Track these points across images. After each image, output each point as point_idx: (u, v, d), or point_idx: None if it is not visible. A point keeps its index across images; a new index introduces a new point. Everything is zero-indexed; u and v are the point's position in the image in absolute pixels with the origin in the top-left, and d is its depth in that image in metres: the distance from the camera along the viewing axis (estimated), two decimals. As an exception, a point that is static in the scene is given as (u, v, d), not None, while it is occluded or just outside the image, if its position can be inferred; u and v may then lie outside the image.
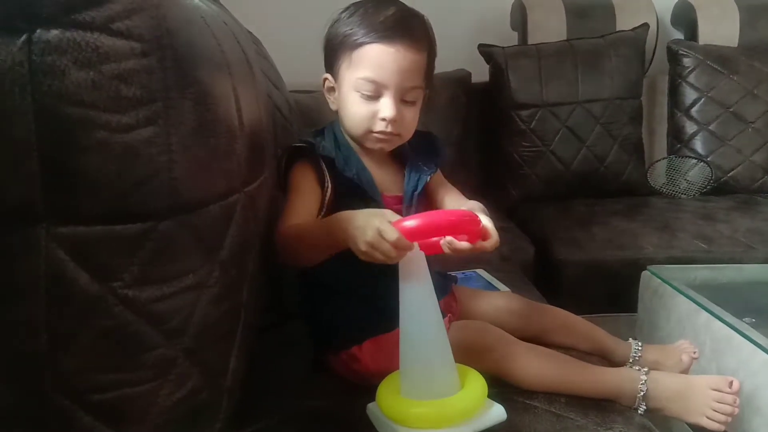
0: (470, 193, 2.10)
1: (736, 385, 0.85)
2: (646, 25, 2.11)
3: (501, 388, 0.80)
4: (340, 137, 0.90)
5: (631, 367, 0.92)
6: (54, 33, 0.44)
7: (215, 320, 0.60)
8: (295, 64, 1.40)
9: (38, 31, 0.43)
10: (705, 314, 1.18)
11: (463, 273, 1.31)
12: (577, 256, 1.63)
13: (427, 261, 0.71)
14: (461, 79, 2.06)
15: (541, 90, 2.01)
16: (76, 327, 0.49)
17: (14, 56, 0.43)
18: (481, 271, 1.32)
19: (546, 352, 0.87)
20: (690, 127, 2.09)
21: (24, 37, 0.43)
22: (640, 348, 0.99)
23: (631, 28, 2.10)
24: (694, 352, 0.99)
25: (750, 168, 2.03)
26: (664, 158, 2.14)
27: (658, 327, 1.33)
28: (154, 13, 0.50)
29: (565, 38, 2.13)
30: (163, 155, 0.51)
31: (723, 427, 0.83)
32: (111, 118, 0.47)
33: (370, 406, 0.75)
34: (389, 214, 0.70)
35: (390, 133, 0.86)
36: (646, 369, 0.86)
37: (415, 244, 0.68)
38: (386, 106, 0.83)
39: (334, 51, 0.87)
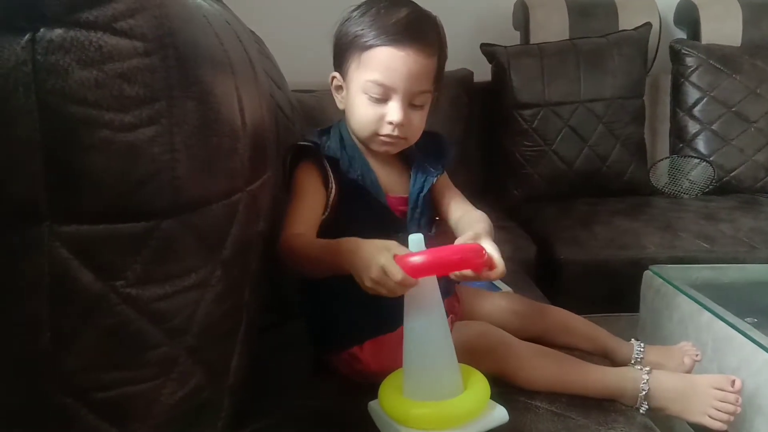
0: (472, 192, 2.10)
1: (738, 384, 0.85)
2: (648, 25, 2.10)
3: (502, 387, 0.80)
4: (346, 137, 0.90)
5: (633, 367, 0.92)
6: (57, 32, 0.44)
7: (217, 319, 0.61)
8: (298, 64, 1.40)
9: (42, 30, 0.43)
10: (707, 314, 1.18)
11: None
12: (579, 255, 1.63)
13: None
14: (463, 79, 2.06)
15: (543, 89, 2.01)
16: (79, 325, 0.49)
17: (18, 55, 0.43)
18: (483, 271, 1.32)
19: (548, 353, 0.87)
20: (692, 127, 2.08)
21: (28, 36, 0.43)
22: (642, 349, 0.99)
23: (633, 27, 2.10)
24: (697, 354, 0.99)
25: (752, 168, 2.03)
26: (666, 158, 2.14)
27: (660, 327, 1.33)
28: (156, 13, 0.50)
29: (567, 37, 2.12)
30: (166, 154, 0.51)
31: (725, 427, 0.83)
32: (114, 117, 0.47)
33: (372, 404, 0.75)
34: (394, 247, 0.69)
35: (396, 137, 0.85)
36: (647, 368, 0.85)
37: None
38: (394, 110, 0.83)
39: (343, 50, 0.86)
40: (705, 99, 2.06)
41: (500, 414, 0.73)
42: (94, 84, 0.46)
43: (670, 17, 2.27)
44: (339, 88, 0.90)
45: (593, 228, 1.73)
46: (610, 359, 0.98)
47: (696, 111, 2.07)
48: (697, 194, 2.03)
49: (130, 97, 0.48)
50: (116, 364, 0.52)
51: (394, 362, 0.75)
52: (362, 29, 0.83)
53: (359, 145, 0.90)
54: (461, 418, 0.70)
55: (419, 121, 0.86)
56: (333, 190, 0.85)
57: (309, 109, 1.48)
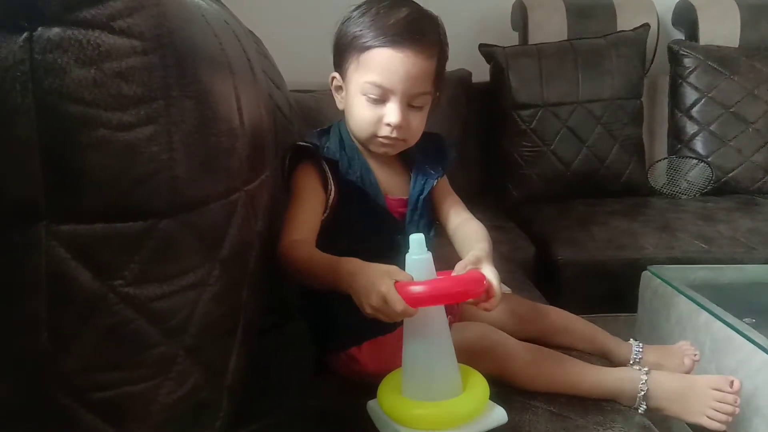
0: (471, 193, 2.10)
1: (736, 384, 0.85)
2: (646, 25, 2.11)
3: (501, 387, 0.80)
4: (346, 137, 0.89)
5: (631, 367, 0.92)
6: (55, 31, 0.44)
7: (216, 319, 0.60)
8: (296, 64, 1.40)
9: (40, 29, 0.43)
10: (705, 314, 1.18)
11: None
12: (578, 256, 1.63)
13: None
14: (462, 79, 2.06)
15: (541, 90, 2.01)
16: (77, 325, 0.49)
17: (16, 54, 0.43)
18: (481, 271, 1.32)
19: (547, 353, 0.87)
20: (690, 128, 2.09)
21: (25, 35, 0.43)
22: (640, 349, 0.99)
23: (631, 28, 2.10)
24: (695, 354, 0.99)
25: (750, 168, 2.03)
26: (664, 158, 2.14)
27: (658, 327, 1.33)
28: (155, 12, 0.50)
29: (565, 38, 2.12)
30: (164, 153, 0.51)
31: (723, 427, 0.83)
32: (112, 116, 0.47)
33: (371, 403, 0.75)
34: (395, 273, 0.68)
35: (395, 138, 0.85)
36: (646, 369, 0.86)
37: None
38: (392, 112, 0.83)
39: (342, 51, 0.86)
40: (703, 100, 2.06)
41: (499, 414, 0.73)
42: (92, 83, 0.45)
43: (668, 18, 2.27)
44: (339, 88, 0.90)
45: (591, 228, 1.73)
46: (608, 359, 0.98)
47: (694, 112, 2.08)
48: (695, 195, 2.03)
49: (128, 96, 0.48)
50: (114, 364, 0.51)
51: (392, 363, 0.75)
52: (361, 30, 0.82)
53: (359, 146, 0.89)
54: (460, 418, 0.70)
55: (418, 122, 0.86)
56: (332, 192, 0.84)
57: (307, 110, 1.48)
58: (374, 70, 0.81)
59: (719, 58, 2.07)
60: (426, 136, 0.94)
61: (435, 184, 0.91)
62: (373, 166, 0.89)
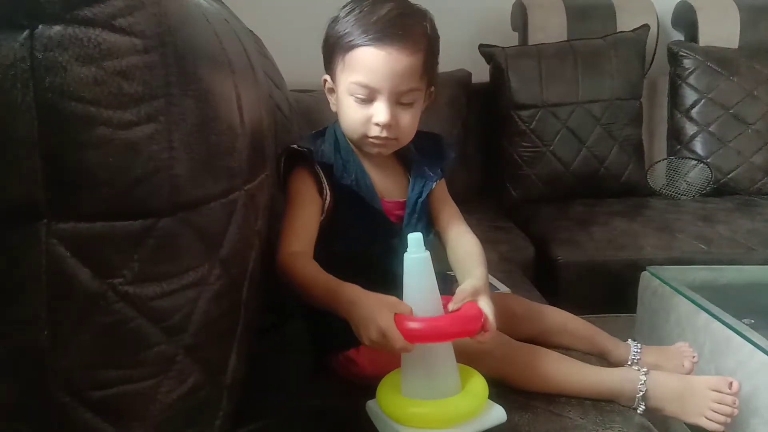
0: (471, 193, 2.10)
1: (735, 386, 0.85)
2: (646, 26, 2.11)
3: (500, 387, 0.80)
4: (341, 139, 0.88)
5: (630, 367, 0.92)
6: (56, 29, 0.44)
7: (215, 318, 0.60)
8: (296, 64, 1.40)
9: (40, 27, 0.43)
10: (704, 315, 1.18)
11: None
12: (577, 256, 1.63)
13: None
14: (461, 79, 2.06)
15: (541, 90, 2.01)
16: (76, 323, 0.49)
17: (16, 52, 0.43)
18: (480, 271, 1.32)
19: (546, 353, 0.87)
20: (690, 129, 2.09)
21: (26, 33, 0.43)
22: (639, 350, 0.99)
23: (631, 29, 2.10)
24: (694, 356, 0.99)
25: (750, 169, 2.03)
26: (663, 159, 2.14)
27: (658, 328, 1.33)
28: (155, 10, 0.50)
29: (565, 39, 2.13)
30: (164, 152, 0.51)
31: (722, 428, 0.83)
32: (112, 114, 0.47)
33: (370, 403, 0.75)
34: (395, 305, 0.69)
35: (386, 138, 0.84)
36: (645, 369, 0.86)
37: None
38: (380, 111, 0.81)
39: (330, 51, 0.85)
40: (702, 101, 2.07)
41: (498, 414, 0.73)
42: (93, 81, 0.45)
43: (667, 19, 2.27)
44: (331, 90, 0.89)
45: (591, 229, 1.74)
46: (607, 360, 0.98)
47: (693, 113, 2.08)
48: (694, 196, 2.03)
49: (128, 94, 0.48)
50: (114, 363, 0.51)
51: (389, 365, 0.75)
52: (346, 29, 0.81)
53: (354, 148, 0.88)
54: (459, 417, 0.70)
55: (409, 120, 0.84)
56: (328, 197, 0.84)
57: (307, 109, 1.48)
58: (359, 70, 0.81)
59: (719, 59, 2.07)
60: (424, 136, 0.93)
61: (434, 186, 0.90)
62: (369, 168, 0.88)
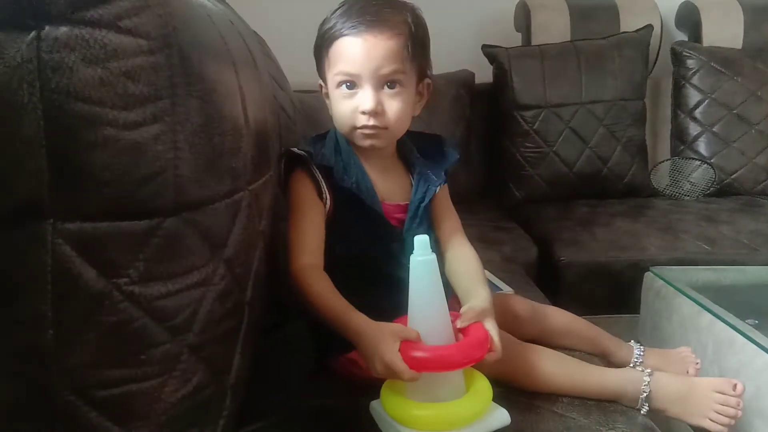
0: (474, 193, 2.09)
1: (739, 388, 0.85)
2: (650, 27, 2.11)
3: (504, 388, 0.80)
4: (342, 142, 0.87)
5: (634, 368, 0.92)
6: (63, 30, 0.44)
7: (220, 317, 0.61)
8: (299, 64, 1.40)
9: (47, 28, 0.44)
10: (708, 316, 1.18)
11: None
12: (580, 257, 1.63)
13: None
14: (465, 80, 2.06)
15: (544, 91, 2.01)
16: (81, 323, 0.49)
17: (23, 53, 0.43)
18: (485, 272, 1.32)
19: (550, 353, 0.87)
20: (693, 129, 2.08)
21: (33, 34, 0.43)
22: (641, 351, 0.99)
23: (635, 29, 2.10)
24: (696, 362, 0.99)
25: (753, 170, 2.03)
26: (667, 160, 2.14)
27: (661, 328, 1.33)
28: (161, 11, 0.50)
29: (568, 39, 2.12)
30: (170, 152, 0.51)
31: (725, 430, 0.83)
32: (118, 115, 0.47)
33: (374, 404, 0.75)
34: (400, 332, 0.69)
35: (374, 127, 0.82)
36: (649, 370, 0.85)
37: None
38: (364, 98, 0.81)
39: (319, 54, 0.87)
40: (706, 101, 2.06)
41: (502, 416, 0.73)
42: (99, 82, 0.46)
43: (671, 19, 2.27)
44: (327, 95, 0.89)
45: (594, 229, 1.73)
46: (609, 361, 0.98)
47: (697, 113, 2.08)
48: (697, 196, 2.03)
49: (134, 95, 0.48)
50: (119, 362, 0.52)
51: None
52: (327, 27, 0.83)
53: (355, 150, 0.87)
54: (463, 420, 0.70)
55: (398, 107, 0.82)
56: (328, 200, 0.83)
57: (311, 110, 1.47)
58: (340, 60, 0.82)
59: (722, 60, 2.07)
60: (427, 137, 0.93)
61: (437, 191, 0.89)
62: (371, 170, 0.87)
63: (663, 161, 2.14)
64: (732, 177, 2.04)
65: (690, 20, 2.21)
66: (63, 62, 0.44)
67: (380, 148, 0.86)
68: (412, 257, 0.70)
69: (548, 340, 0.96)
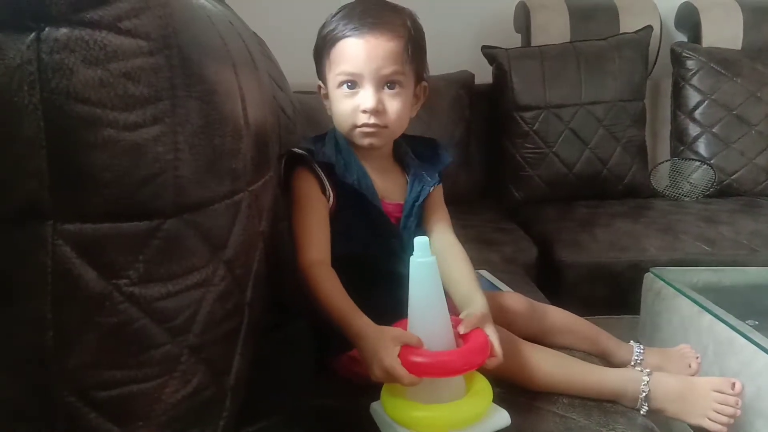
0: (474, 194, 2.09)
1: (738, 386, 0.85)
2: (649, 28, 2.11)
3: (503, 388, 0.80)
4: (342, 142, 0.89)
5: (633, 368, 0.92)
6: (63, 31, 0.44)
7: (220, 318, 0.61)
8: (299, 65, 1.40)
9: (47, 29, 0.44)
10: (708, 316, 1.18)
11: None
12: (580, 257, 1.63)
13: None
14: (464, 81, 2.06)
15: (544, 92, 2.01)
16: (81, 324, 0.49)
17: (23, 54, 0.43)
18: (484, 272, 1.32)
19: (550, 352, 0.87)
20: (693, 130, 2.09)
21: (33, 35, 0.43)
22: (641, 351, 0.99)
23: (634, 30, 2.10)
24: (697, 357, 0.99)
25: (753, 171, 2.03)
26: (667, 160, 2.14)
27: (661, 329, 1.33)
28: (161, 12, 0.50)
29: (568, 40, 2.13)
30: (170, 153, 0.51)
31: (725, 429, 0.83)
32: (118, 116, 0.47)
33: (374, 405, 0.75)
34: (400, 337, 0.69)
35: (375, 125, 0.84)
36: (648, 370, 0.86)
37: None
38: (365, 97, 0.83)
39: (319, 55, 0.88)
40: (706, 102, 2.06)
41: (502, 417, 0.73)
42: (99, 83, 0.46)
43: (671, 20, 2.27)
44: (326, 96, 0.90)
45: (594, 230, 1.73)
46: (609, 361, 0.98)
47: (697, 114, 2.08)
48: (697, 197, 2.03)
49: (134, 96, 0.48)
50: (119, 363, 0.52)
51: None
52: (328, 29, 0.85)
53: (354, 150, 0.89)
54: (463, 421, 0.70)
55: (397, 106, 0.85)
56: (331, 197, 0.85)
57: (310, 111, 1.47)
58: (342, 61, 0.83)
59: (722, 61, 2.07)
60: (422, 141, 0.95)
61: (431, 191, 0.91)
62: (369, 170, 0.88)
63: (663, 162, 2.15)
64: (732, 178, 2.04)
65: (689, 21, 2.21)
66: (63, 63, 0.44)
67: (379, 147, 0.88)
68: (412, 259, 0.70)
69: (547, 338, 0.96)
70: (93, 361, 0.50)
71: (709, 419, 0.83)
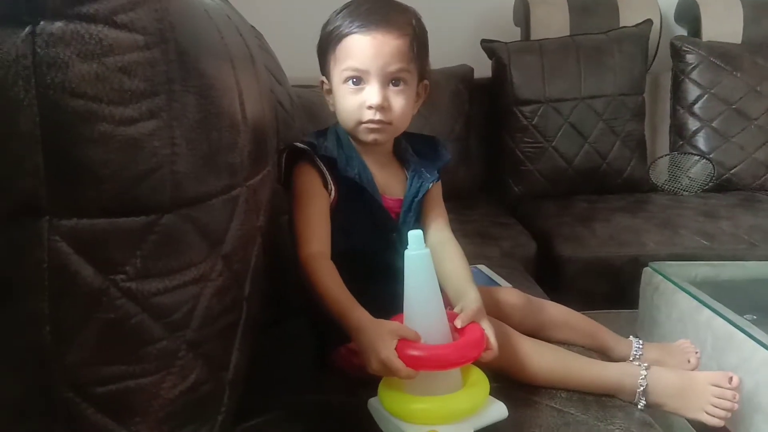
0: (473, 189, 2.08)
1: (735, 380, 0.85)
2: (649, 21, 2.10)
3: (502, 383, 0.80)
4: (343, 137, 0.89)
5: (631, 362, 0.92)
6: (58, 25, 0.44)
7: (218, 313, 0.61)
8: (298, 59, 1.39)
9: (42, 23, 0.43)
10: (706, 311, 1.18)
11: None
12: (579, 252, 1.63)
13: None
14: (464, 75, 2.06)
15: (543, 86, 2.00)
16: (79, 320, 0.49)
17: (18, 48, 0.43)
18: (482, 267, 1.32)
19: (548, 347, 0.87)
20: (693, 124, 2.08)
21: (28, 29, 0.43)
22: (640, 346, 0.99)
23: (634, 24, 2.10)
24: (696, 352, 0.99)
25: (752, 165, 2.03)
26: (666, 155, 2.14)
27: (659, 324, 1.33)
28: (157, 6, 0.50)
29: (568, 34, 2.12)
30: (166, 148, 0.51)
31: (722, 423, 0.84)
32: (114, 110, 0.47)
33: (372, 401, 0.75)
34: (398, 330, 0.70)
35: (380, 122, 0.85)
36: (646, 364, 0.86)
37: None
38: (371, 93, 0.83)
39: (324, 51, 0.88)
40: (705, 96, 2.06)
41: (499, 409, 0.73)
42: (95, 77, 0.46)
43: (670, 14, 2.26)
44: (328, 91, 0.91)
45: (593, 225, 1.73)
46: (608, 356, 0.98)
47: (696, 108, 2.07)
48: (696, 191, 2.03)
49: (130, 90, 0.48)
50: (116, 359, 0.52)
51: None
52: (335, 25, 0.85)
53: (356, 146, 0.89)
54: (461, 413, 0.70)
55: (402, 103, 0.86)
56: (332, 191, 0.85)
57: (309, 104, 1.47)
58: (349, 56, 0.84)
59: (722, 55, 2.06)
60: (421, 138, 0.95)
61: (430, 187, 0.91)
62: (370, 165, 0.89)
63: (662, 156, 2.14)
64: (731, 172, 2.04)
65: (689, 15, 2.20)
66: (58, 58, 0.44)
67: (382, 143, 0.89)
68: (406, 252, 0.70)
69: (545, 333, 0.97)
70: (91, 356, 0.50)
71: (707, 413, 0.83)
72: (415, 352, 0.68)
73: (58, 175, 0.46)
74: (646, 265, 1.43)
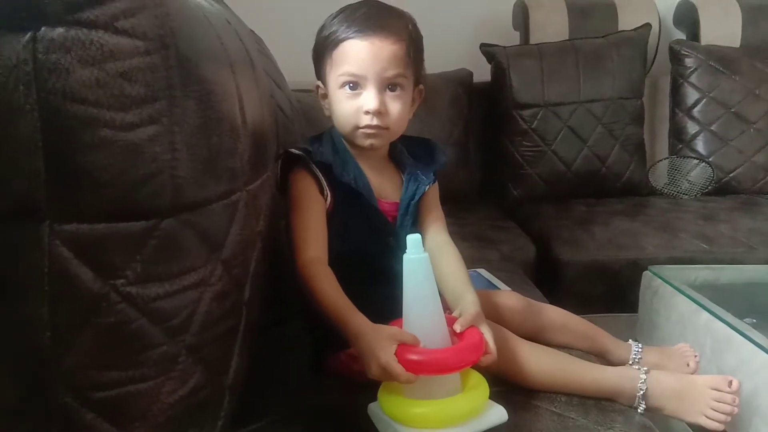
0: (472, 192, 2.08)
1: (735, 384, 0.85)
2: (648, 25, 2.11)
3: (501, 386, 0.80)
4: (339, 142, 0.90)
5: (630, 366, 0.92)
6: (59, 31, 0.44)
7: (217, 318, 0.61)
8: (297, 63, 1.40)
9: (43, 29, 0.44)
10: (705, 314, 1.18)
11: (464, 272, 1.30)
12: (578, 256, 1.63)
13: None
14: (463, 79, 2.06)
15: (542, 90, 2.01)
16: (78, 324, 0.49)
17: (19, 54, 0.43)
18: (482, 271, 1.32)
19: (547, 350, 0.87)
20: (691, 128, 2.09)
21: (29, 35, 0.43)
22: (639, 349, 0.99)
23: (633, 28, 2.10)
24: (695, 356, 0.99)
25: (751, 168, 2.03)
26: (665, 158, 2.14)
27: (659, 327, 1.33)
28: (157, 12, 0.50)
29: (567, 38, 2.13)
30: (167, 153, 0.51)
31: (722, 427, 0.84)
32: (115, 116, 0.47)
33: (371, 406, 0.75)
34: (397, 335, 0.70)
35: (377, 127, 0.85)
36: (645, 368, 0.86)
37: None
38: (368, 98, 0.84)
39: (320, 56, 0.89)
40: (704, 100, 2.06)
41: (499, 413, 0.73)
42: (95, 83, 0.46)
43: (669, 18, 2.27)
44: (324, 96, 0.91)
45: (592, 228, 1.74)
46: (607, 360, 0.98)
47: (695, 112, 2.08)
48: (696, 195, 2.03)
49: (130, 96, 0.48)
50: (116, 363, 0.52)
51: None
52: (330, 30, 0.85)
53: (351, 150, 0.90)
54: (460, 417, 0.70)
55: (399, 108, 0.86)
56: (328, 197, 0.85)
57: (309, 109, 1.47)
58: (346, 62, 0.84)
59: (720, 58, 2.07)
60: (417, 141, 0.96)
61: (426, 190, 0.91)
62: (366, 170, 0.89)
63: (661, 160, 2.15)
64: (730, 175, 2.04)
65: (688, 19, 2.21)
66: (59, 63, 0.44)
67: (378, 147, 0.89)
68: (405, 256, 0.70)
69: (544, 337, 0.97)
70: (90, 361, 0.50)
71: (707, 417, 0.83)
72: (414, 357, 0.68)
73: (58, 179, 0.46)
74: (646, 269, 1.43)
